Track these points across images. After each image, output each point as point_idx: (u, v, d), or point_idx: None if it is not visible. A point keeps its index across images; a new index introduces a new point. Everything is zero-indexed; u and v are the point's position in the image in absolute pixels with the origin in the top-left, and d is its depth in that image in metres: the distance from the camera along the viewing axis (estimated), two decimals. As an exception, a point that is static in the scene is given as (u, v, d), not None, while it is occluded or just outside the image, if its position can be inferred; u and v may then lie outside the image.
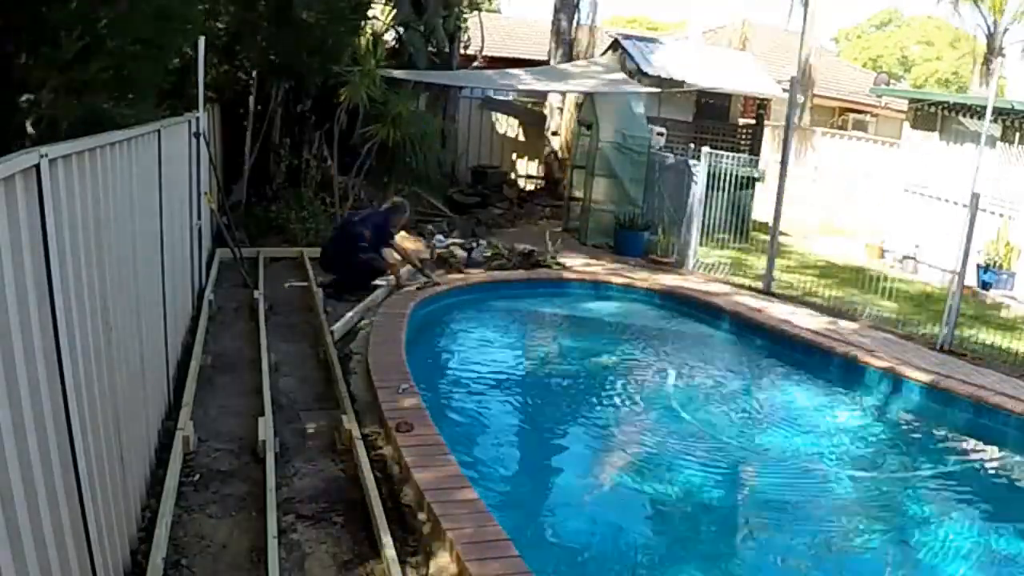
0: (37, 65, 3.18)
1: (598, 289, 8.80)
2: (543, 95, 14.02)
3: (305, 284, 7.58)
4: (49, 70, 3.18)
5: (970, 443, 6.05)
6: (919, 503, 4.97)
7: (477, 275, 8.50)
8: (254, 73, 9.58)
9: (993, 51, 18.29)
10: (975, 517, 4.90)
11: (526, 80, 11.43)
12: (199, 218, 6.74)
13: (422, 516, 3.67)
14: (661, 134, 11.49)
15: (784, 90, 12.08)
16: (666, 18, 42.39)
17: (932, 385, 6.31)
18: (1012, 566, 4.28)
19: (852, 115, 20.64)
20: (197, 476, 3.99)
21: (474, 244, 9.25)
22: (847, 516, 4.63)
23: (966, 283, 7.89)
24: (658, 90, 11.76)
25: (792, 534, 4.43)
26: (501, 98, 14.74)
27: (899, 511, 4.85)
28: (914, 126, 12.76)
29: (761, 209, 12.00)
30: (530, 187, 14.52)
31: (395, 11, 11.60)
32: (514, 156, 14.86)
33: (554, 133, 14.08)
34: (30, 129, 3.19)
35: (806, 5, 17.04)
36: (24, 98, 3.15)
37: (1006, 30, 18.40)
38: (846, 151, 16.57)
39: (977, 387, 6.21)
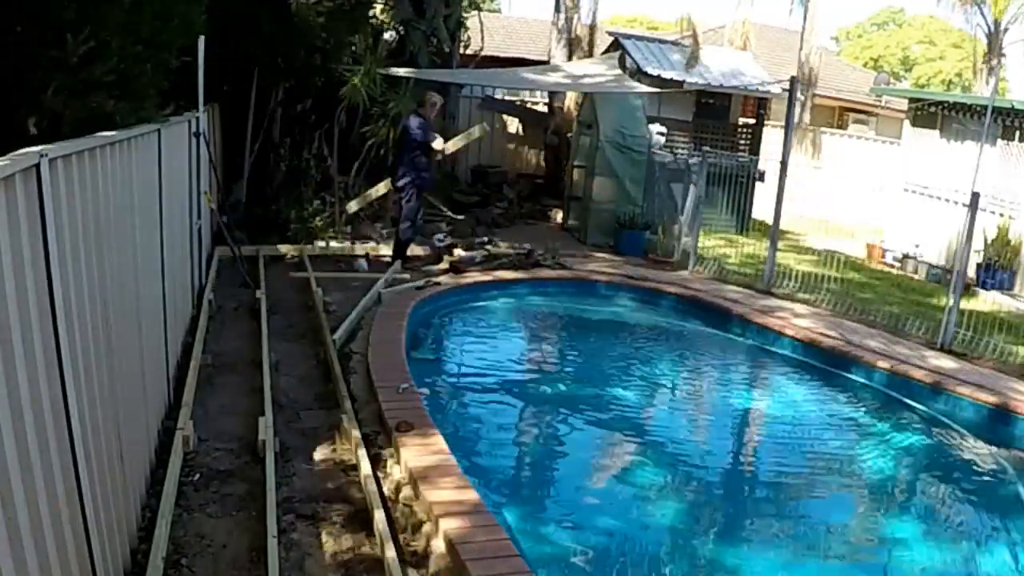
0: (41, 66, 3.16)
1: (597, 288, 8.79)
2: (543, 94, 14.00)
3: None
4: (54, 72, 3.17)
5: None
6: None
7: (477, 275, 8.50)
8: (255, 71, 9.57)
9: (993, 51, 18.28)
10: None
11: (527, 78, 11.42)
12: (199, 218, 6.74)
13: (423, 515, 3.68)
14: (661, 134, 11.48)
15: (784, 89, 12.06)
16: (666, 17, 42.40)
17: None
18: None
19: (852, 114, 20.64)
20: (197, 475, 3.99)
21: (474, 243, 9.25)
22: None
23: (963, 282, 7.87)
24: (658, 90, 11.76)
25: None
26: (501, 98, 14.72)
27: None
28: (914, 125, 12.76)
29: (760, 209, 11.99)
30: (530, 186, 14.49)
31: (396, 10, 11.58)
32: (514, 155, 14.84)
33: (554, 132, 14.07)
34: (32, 130, 3.16)
35: (806, 5, 17.03)
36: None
37: (1006, 29, 18.39)
38: (846, 150, 16.57)
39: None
